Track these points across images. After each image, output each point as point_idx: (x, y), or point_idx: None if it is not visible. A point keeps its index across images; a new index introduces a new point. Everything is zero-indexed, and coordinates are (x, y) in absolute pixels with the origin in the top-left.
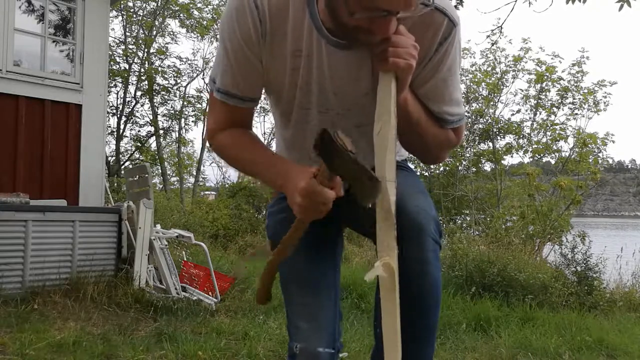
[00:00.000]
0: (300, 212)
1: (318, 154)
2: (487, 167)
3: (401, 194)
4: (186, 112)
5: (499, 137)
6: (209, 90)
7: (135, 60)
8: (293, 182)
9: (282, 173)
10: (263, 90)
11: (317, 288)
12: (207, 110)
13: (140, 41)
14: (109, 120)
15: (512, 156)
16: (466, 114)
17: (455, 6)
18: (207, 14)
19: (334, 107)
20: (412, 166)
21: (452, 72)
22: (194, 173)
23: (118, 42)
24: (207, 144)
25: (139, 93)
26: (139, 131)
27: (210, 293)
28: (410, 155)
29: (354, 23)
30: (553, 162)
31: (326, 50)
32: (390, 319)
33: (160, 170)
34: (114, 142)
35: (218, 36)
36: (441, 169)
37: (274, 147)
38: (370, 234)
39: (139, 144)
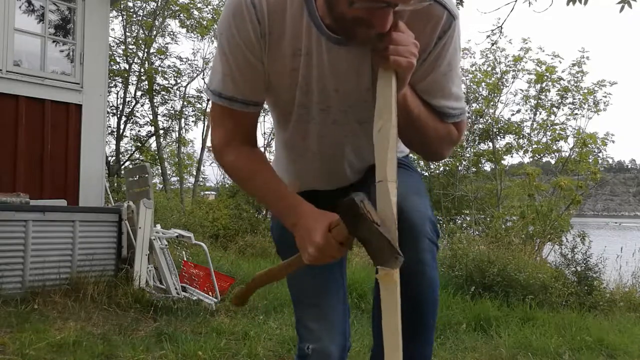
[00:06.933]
0: (309, 261)
1: (341, 218)
2: (487, 167)
3: (398, 195)
4: (186, 112)
5: (499, 137)
6: (208, 100)
7: (135, 60)
8: (307, 231)
9: (295, 212)
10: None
11: (326, 288)
12: (208, 123)
13: (140, 41)
14: (109, 120)
15: (512, 156)
16: (466, 113)
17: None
18: (207, 14)
19: (335, 104)
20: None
21: (452, 66)
22: (194, 173)
23: (118, 42)
24: (213, 157)
25: (139, 93)
26: (139, 131)
27: (210, 293)
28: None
29: (352, 14)
30: (553, 162)
31: (326, 47)
32: (391, 320)
33: (160, 170)
34: (114, 142)
35: (215, 40)
36: (441, 169)
37: (274, 147)
38: None
39: (139, 144)
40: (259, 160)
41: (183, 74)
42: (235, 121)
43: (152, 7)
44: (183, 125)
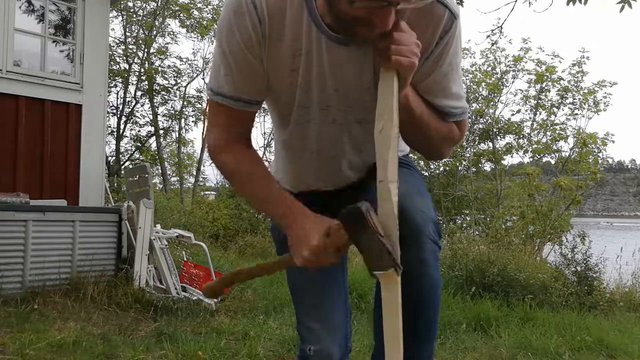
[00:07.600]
0: (302, 264)
1: (344, 225)
2: (487, 167)
3: (399, 195)
4: (186, 112)
5: (499, 137)
6: (208, 99)
7: (135, 60)
8: (303, 233)
9: (290, 214)
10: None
11: (327, 288)
12: (205, 123)
13: (140, 41)
14: (109, 120)
15: (512, 156)
16: (468, 112)
17: None
18: (207, 14)
19: (335, 103)
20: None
21: (453, 65)
22: (194, 173)
23: (118, 42)
24: (209, 158)
25: (139, 93)
26: (139, 131)
27: None
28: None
29: (353, 13)
30: (553, 162)
31: (326, 47)
32: (392, 320)
33: (160, 170)
34: (114, 142)
35: (215, 39)
36: (441, 169)
37: (273, 147)
38: None
39: (139, 144)
40: (254, 161)
41: (183, 74)
42: (234, 120)
43: (152, 7)
44: (183, 125)
